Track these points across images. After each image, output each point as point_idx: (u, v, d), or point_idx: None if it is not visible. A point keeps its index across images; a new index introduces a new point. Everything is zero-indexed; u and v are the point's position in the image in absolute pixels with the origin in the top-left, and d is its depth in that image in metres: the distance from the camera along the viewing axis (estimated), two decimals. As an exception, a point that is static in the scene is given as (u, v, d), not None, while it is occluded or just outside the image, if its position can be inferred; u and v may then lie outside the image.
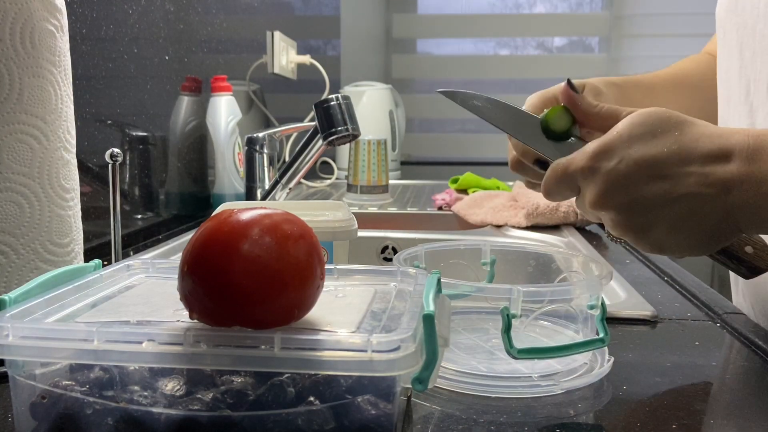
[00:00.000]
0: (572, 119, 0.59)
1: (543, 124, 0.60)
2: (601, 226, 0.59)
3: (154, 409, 0.39)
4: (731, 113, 0.72)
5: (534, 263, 0.67)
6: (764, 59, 0.65)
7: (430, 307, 0.40)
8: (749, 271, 0.56)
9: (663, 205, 0.51)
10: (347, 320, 0.43)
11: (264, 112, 1.79)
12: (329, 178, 1.87)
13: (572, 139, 0.59)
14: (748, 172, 0.49)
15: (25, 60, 0.57)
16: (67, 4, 0.63)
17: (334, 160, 1.93)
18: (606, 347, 0.56)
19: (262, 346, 0.38)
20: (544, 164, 0.61)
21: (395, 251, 1.23)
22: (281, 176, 1.13)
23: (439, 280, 0.46)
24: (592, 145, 0.53)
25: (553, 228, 1.22)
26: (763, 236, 0.56)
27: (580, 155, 0.54)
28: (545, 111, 0.60)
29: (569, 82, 0.59)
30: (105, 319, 0.44)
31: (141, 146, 1.18)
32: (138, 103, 1.16)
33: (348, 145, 1.57)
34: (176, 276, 0.41)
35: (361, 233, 0.78)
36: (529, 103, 0.65)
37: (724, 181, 0.50)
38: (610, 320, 0.69)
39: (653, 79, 0.78)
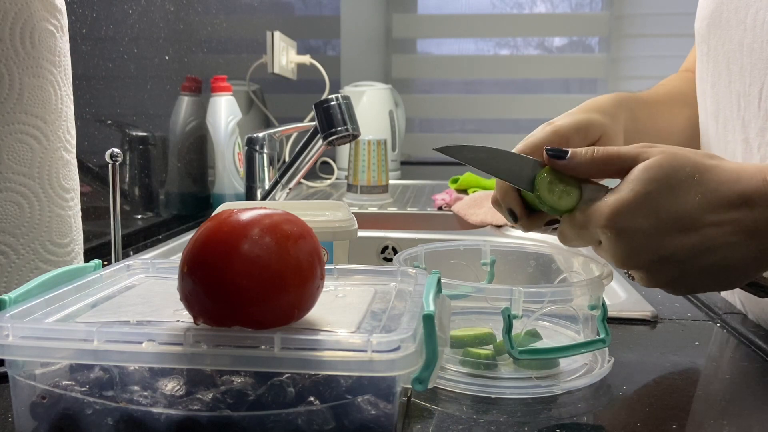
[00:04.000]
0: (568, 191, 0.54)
1: (540, 204, 0.55)
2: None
3: (154, 409, 0.39)
4: (719, 128, 0.71)
5: (534, 263, 0.66)
6: (753, 73, 0.64)
7: (430, 307, 0.40)
8: (766, 293, 0.56)
9: (692, 257, 0.50)
10: (347, 320, 0.43)
11: (264, 112, 1.79)
12: (329, 178, 1.87)
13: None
14: None
15: (25, 60, 0.57)
16: (67, 4, 0.63)
17: (334, 160, 1.93)
18: (607, 348, 0.56)
19: (262, 346, 0.38)
20: (515, 216, 0.58)
21: (395, 251, 1.23)
22: (281, 176, 1.13)
23: (439, 280, 0.46)
24: (609, 205, 0.51)
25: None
26: None
27: (598, 215, 0.51)
28: (535, 183, 0.55)
29: (549, 151, 0.54)
30: (105, 319, 0.44)
31: (141, 146, 1.18)
32: (138, 103, 1.16)
33: (348, 145, 1.57)
34: (176, 276, 0.41)
35: (361, 233, 0.78)
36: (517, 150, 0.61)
37: (749, 229, 0.49)
38: (610, 320, 0.69)
39: (654, 97, 0.77)
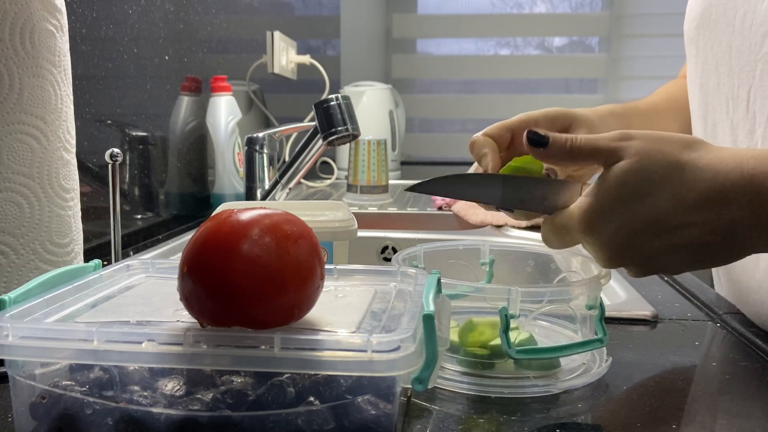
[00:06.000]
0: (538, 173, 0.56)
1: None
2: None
3: (154, 409, 0.39)
4: (708, 130, 0.71)
5: (533, 263, 0.67)
6: (741, 76, 0.64)
7: (430, 307, 0.41)
8: None
9: (672, 253, 0.50)
10: (347, 320, 0.43)
11: (264, 112, 1.79)
12: (329, 178, 1.87)
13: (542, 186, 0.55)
14: (750, 216, 0.48)
15: (25, 60, 0.57)
16: (67, 4, 0.63)
17: (334, 160, 1.92)
18: (605, 347, 0.56)
19: (262, 346, 0.38)
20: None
21: (395, 251, 1.23)
22: (281, 176, 1.13)
23: (439, 281, 0.46)
24: (582, 211, 0.51)
25: (553, 228, 1.21)
26: None
27: (574, 221, 0.51)
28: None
29: (530, 136, 0.53)
30: (105, 319, 0.44)
31: (141, 146, 1.18)
32: (138, 103, 1.17)
33: (348, 145, 1.57)
34: (176, 276, 0.41)
35: (361, 233, 0.78)
36: (485, 133, 0.61)
37: (727, 227, 0.49)
38: (611, 320, 0.69)
39: (649, 104, 0.78)
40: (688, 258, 0.50)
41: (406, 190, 0.55)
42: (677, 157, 0.50)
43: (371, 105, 1.96)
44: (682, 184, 0.49)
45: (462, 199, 0.57)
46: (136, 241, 1.10)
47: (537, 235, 1.17)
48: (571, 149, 0.52)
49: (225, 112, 1.39)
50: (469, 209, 1.35)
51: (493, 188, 0.55)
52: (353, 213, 0.74)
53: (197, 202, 1.38)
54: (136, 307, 0.46)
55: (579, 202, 0.52)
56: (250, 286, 0.39)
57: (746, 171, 0.48)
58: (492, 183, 0.55)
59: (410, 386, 0.40)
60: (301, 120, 1.62)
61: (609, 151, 0.51)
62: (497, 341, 0.54)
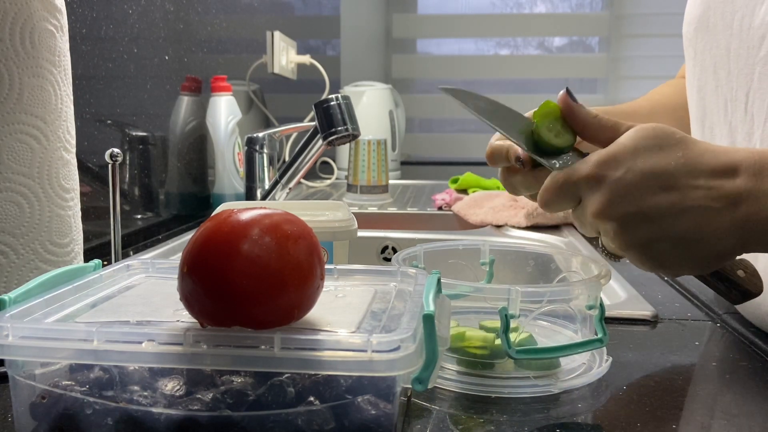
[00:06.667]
0: (567, 132, 0.57)
1: (535, 136, 0.57)
2: (595, 242, 0.57)
3: (154, 409, 0.39)
4: (706, 133, 0.72)
5: (533, 263, 0.67)
6: (740, 79, 0.65)
7: (430, 307, 0.41)
8: (741, 294, 0.55)
9: (669, 217, 0.50)
10: (347, 320, 0.43)
11: (264, 112, 1.79)
12: (329, 178, 1.87)
13: (570, 153, 0.57)
14: (756, 188, 0.49)
15: (25, 60, 0.57)
16: (67, 4, 0.63)
17: (334, 160, 1.93)
18: (605, 347, 0.56)
19: (262, 346, 0.38)
20: (522, 162, 0.59)
21: (395, 251, 1.23)
22: (281, 176, 1.13)
23: (439, 280, 0.46)
24: (596, 155, 0.52)
25: (553, 228, 1.22)
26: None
27: (584, 164, 0.53)
28: (535, 121, 0.58)
29: (569, 91, 0.57)
30: (105, 319, 0.44)
31: (141, 146, 1.18)
32: (138, 103, 1.17)
33: (348, 145, 1.57)
34: (176, 276, 0.41)
35: (361, 233, 0.78)
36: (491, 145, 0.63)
37: (731, 196, 0.49)
38: (611, 320, 0.69)
39: (633, 107, 0.78)
40: (685, 230, 0.50)
41: (439, 87, 0.58)
42: (690, 136, 0.53)
43: (371, 105, 1.96)
44: (694, 151, 0.51)
45: (487, 120, 0.59)
46: (136, 241, 1.10)
47: (538, 235, 1.17)
48: (596, 117, 0.56)
49: (225, 112, 1.39)
50: (469, 209, 1.35)
51: (518, 124, 0.58)
52: (353, 213, 0.74)
53: (197, 202, 1.38)
54: (136, 307, 0.46)
55: (592, 153, 0.53)
56: (250, 286, 0.39)
57: (755, 151, 0.51)
58: (520, 120, 0.59)
59: (410, 386, 0.40)
60: (301, 120, 1.62)
61: (627, 127, 0.54)
62: (497, 341, 0.54)
